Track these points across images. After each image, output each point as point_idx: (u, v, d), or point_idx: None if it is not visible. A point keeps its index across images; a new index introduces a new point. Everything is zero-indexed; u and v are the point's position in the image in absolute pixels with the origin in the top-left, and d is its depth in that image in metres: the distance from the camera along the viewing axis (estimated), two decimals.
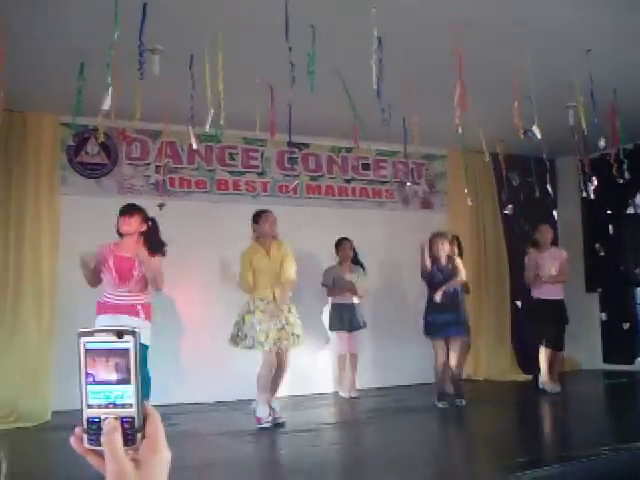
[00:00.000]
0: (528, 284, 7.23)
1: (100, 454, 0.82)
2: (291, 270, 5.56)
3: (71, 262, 6.15)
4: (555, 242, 7.33)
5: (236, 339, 5.49)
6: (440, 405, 6.19)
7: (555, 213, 7.16)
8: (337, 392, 7.27)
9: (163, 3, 4.15)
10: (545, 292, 7.07)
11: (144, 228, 5.04)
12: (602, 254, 8.32)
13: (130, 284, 4.96)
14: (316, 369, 7.37)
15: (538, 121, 5.11)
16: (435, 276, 6.34)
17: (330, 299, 7.25)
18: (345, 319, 7.09)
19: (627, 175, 6.00)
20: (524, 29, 4.80)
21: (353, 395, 7.04)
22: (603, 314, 8.65)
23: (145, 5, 3.98)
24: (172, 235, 6.45)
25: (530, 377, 7.48)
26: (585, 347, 8.73)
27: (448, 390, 6.38)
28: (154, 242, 5.09)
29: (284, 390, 5.95)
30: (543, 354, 7.00)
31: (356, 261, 7.29)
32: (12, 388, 5.78)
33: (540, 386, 6.91)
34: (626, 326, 8.29)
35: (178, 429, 5.29)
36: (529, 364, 7.47)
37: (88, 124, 6.21)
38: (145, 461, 0.82)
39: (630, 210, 7.10)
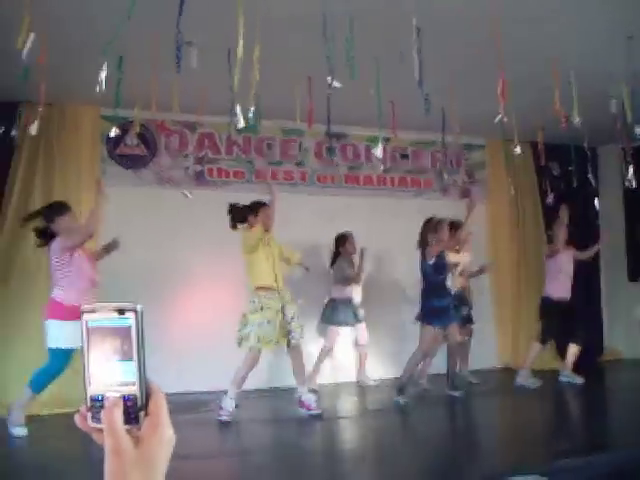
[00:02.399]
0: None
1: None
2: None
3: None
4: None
5: (240, 340, 5.39)
6: (402, 402, 5.80)
7: (597, 202, 7.01)
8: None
9: None
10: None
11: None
12: None
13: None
14: (339, 359, 7.39)
15: (579, 109, 5.01)
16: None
17: (332, 292, 7.05)
18: (350, 313, 6.95)
19: None
20: (564, 16, 4.71)
21: (370, 383, 7.10)
22: None
23: None
24: (210, 225, 6.53)
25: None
26: (627, 336, 8.61)
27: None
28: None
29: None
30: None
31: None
32: None
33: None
34: None
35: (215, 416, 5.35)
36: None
37: (128, 116, 6.27)
38: (145, 438, 0.80)
39: None
